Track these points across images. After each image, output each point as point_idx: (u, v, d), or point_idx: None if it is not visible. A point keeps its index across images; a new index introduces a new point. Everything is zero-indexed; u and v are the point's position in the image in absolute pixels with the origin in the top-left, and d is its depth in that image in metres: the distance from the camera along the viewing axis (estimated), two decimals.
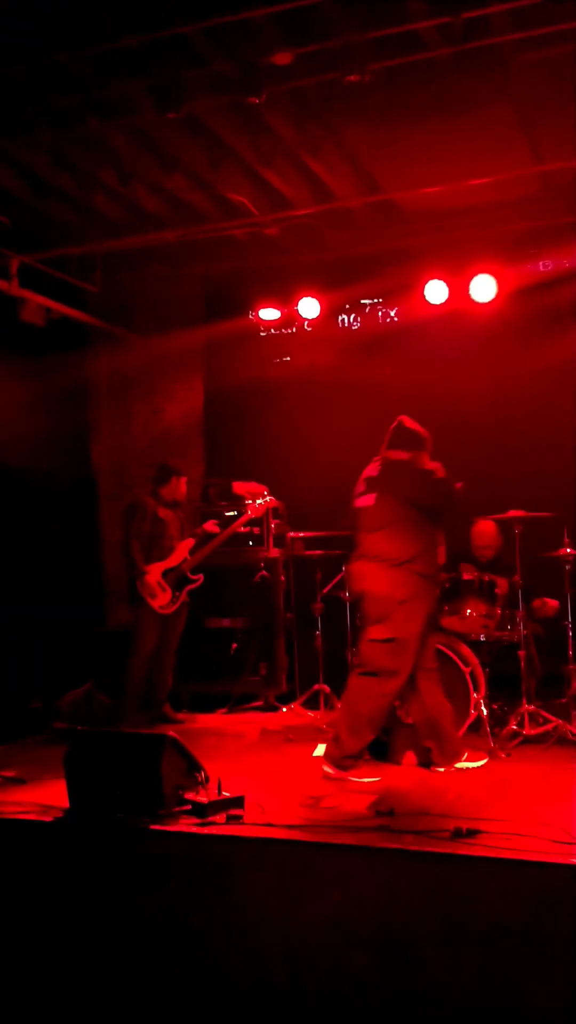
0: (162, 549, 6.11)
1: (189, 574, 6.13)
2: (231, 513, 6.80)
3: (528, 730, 5.01)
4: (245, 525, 6.60)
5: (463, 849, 3.13)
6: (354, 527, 4.75)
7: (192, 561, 6.15)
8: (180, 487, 6.27)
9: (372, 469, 4.78)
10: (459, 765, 4.50)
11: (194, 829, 3.43)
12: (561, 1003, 2.76)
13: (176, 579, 6.09)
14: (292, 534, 6.87)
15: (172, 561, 6.10)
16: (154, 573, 6.01)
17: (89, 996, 3.33)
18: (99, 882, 3.43)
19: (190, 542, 6.21)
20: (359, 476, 4.84)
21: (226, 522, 6.50)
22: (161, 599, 6.00)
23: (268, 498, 6.65)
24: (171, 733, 3.78)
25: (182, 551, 6.15)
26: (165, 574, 6.05)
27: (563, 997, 2.76)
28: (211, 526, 6.35)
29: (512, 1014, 2.83)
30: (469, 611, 5.23)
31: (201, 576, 6.17)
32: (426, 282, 6.66)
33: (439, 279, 6.63)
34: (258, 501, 6.54)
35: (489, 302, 6.61)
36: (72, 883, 3.47)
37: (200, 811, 3.55)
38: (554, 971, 2.81)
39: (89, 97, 5.12)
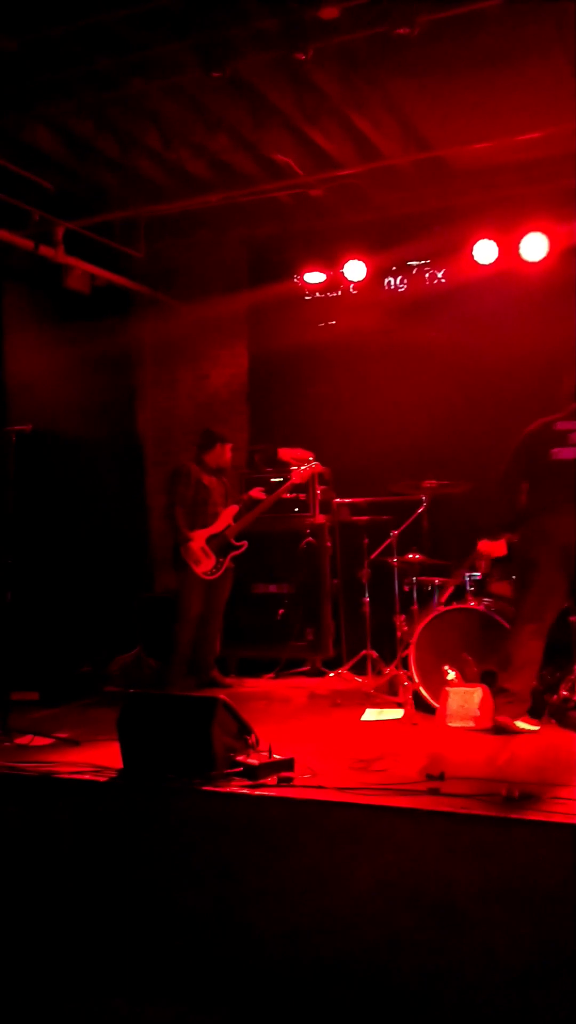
0: (206, 515, 6.11)
1: (233, 540, 6.13)
2: (276, 479, 6.79)
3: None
4: (291, 491, 6.59)
5: (515, 813, 3.11)
6: (547, 479, 4.52)
7: (236, 527, 6.15)
8: (225, 453, 6.25)
9: (569, 423, 4.57)
10: (517, 724, 4.51)
11: (245, 791, 3.46)
12: None
13: (220, 545, 6.09)
14: (338, 500, 6.85)
15: (216, 527, 6.10)
16: (198, 539, 6.02)
17: (143, 954, 3.40)
18: (152, 842, 3.48)
19: (235, 509, 6.20)
20: (545, 425, 4.61)
21: (271, 488, 6.50)
22: (205, 565, 6.01)
23: (313, 463, 6.63)
24: (221, 696, 3.80)
25: (226, 517, 6.15)
26: (209, 540, 6.06)
27: None
28: (257, 493, 6.35)
29: (560, 978, 2.83)
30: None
31: (245, 543, 6.17)
32: (475, 242, 6.52)
33: (488, 238, 6.49)
34: (303, 467, 6.52)
35: (540, 261, 6.46)
36: (125, 842, 3.53)
37: (251, 773, 3.58)
38: None
39: (132, 58, 5.05)
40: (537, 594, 4.51)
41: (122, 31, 4.88)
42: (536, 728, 4.54)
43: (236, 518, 6.18)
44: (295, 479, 6.43)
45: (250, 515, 6.23)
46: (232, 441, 6.35)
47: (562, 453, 4.48)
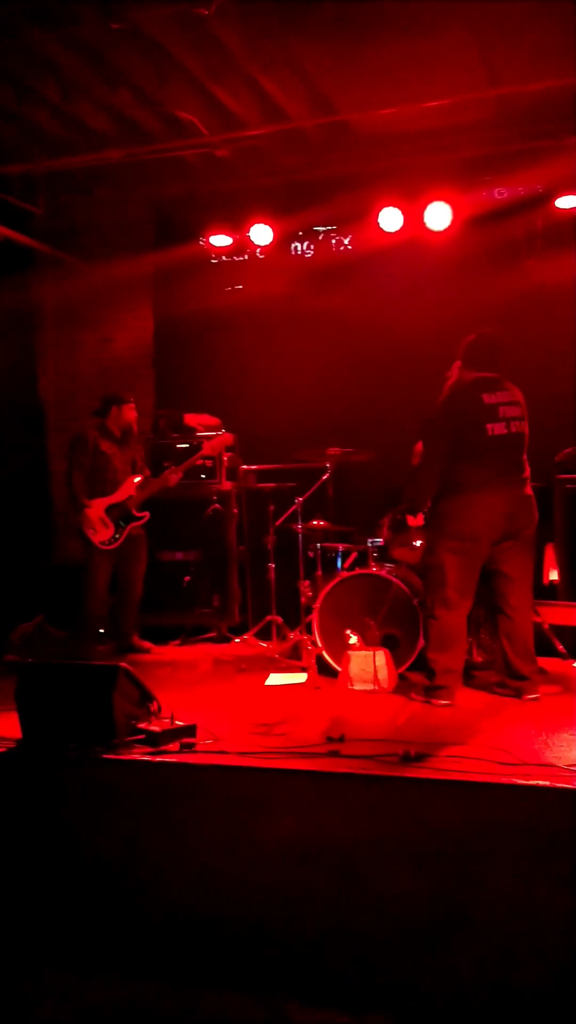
0: (106, 483, 5.97)
1: (135, 511, 6.02)
2: (183, 445, 6.74)
3: (478, 658, 5.12)
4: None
5: (411, 772, 3.20)
6: (484, 456, 4.43)
7: (139, 497, 6.04)
8: (123, 415, 6.08)
9: (499, 396, 4.50)
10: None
11: (147, 758, 3.46)
12: (501, 917, 2.88)
13: (120, 515, 5.98)
14: (245, 467, 6.84)
15: (117, 497, 5.98)
16: (96, 508, 5.90)
17: (42, 925, 3.39)
18: (53, 811, 3.45)
19: (137, 478, 6.08)
20: (474, 398, 4.45)
21: (179, 460, 6.41)
22: (102, 534, 5.90)
23: (221, 432, 6.58)
24: (123, 664, 3.78)
25: (129, 487, 6.03)
26: (109, 510, 5.94)
27: (503, 912, 2.88)
28: (173, 477, 6.15)
29: (458, 927, 2.94)
30: (419, 542, 5.27)
31: (147, 514, 6.07)
32: (380, 209, 6.54)
33: (393, 206, 6.52)
34: (214, 436, 6.46)
35: (444, 230, 6.53)
36: (26, 812, 3.49)
37: (153, 740, 3.58)
38: (496, 887, 2.91)
39: (28, 6, 4.84)
40: (475, 569, 4.46)
41: None
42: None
43: (141, 488, 6.08)
44: (206, 450, 6.35)
45: (153, 485, 6.14)
46: (130, 401, 6.15)
47: (496, 429, 4.43)
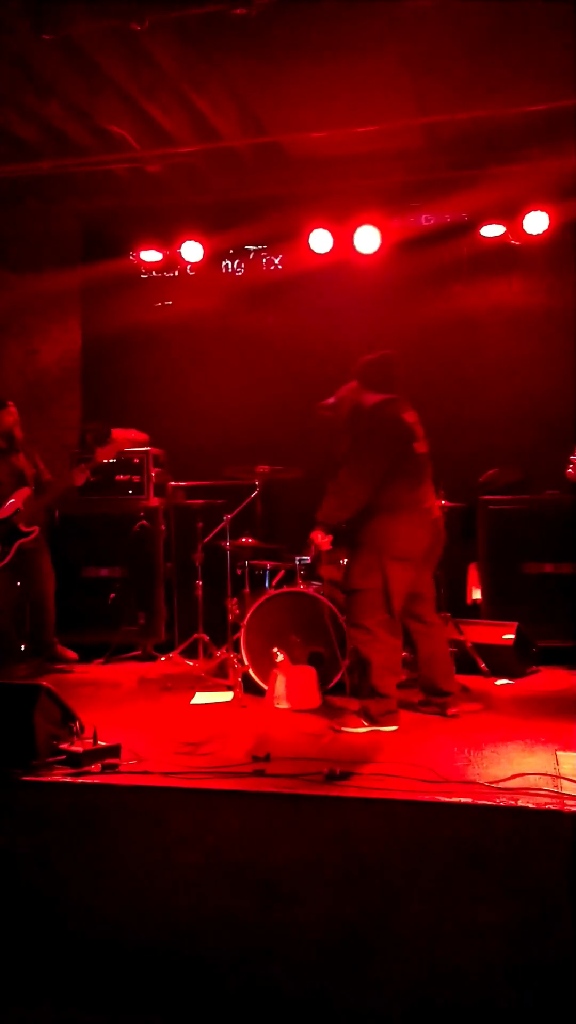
0: None
1: (23, 526, 5.66)
2: (110, 461, 6.65)
3: (402, 675, 5.16)
4: (120, 473, 6.41)
5: (336, 791, 3.21)
6: (412, 474, 4.44)
7: (32, 509, 5.71)
8: (3, 421, 5.70)
9: (411, 415, 4.54)
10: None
11: (68, 779, 3.39)
12: (423, 935, 2.89)
13: (7, 532, 5.65)
14: (173, 483, 6.79)
15: (3, 512, 5.64)
16: None
17: None
18: None
19: (26, 491, 5.73)
20: (398, 417, 4.46)
21: (107, 475, 6.31)
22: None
23: (117, 441, 6.26)
24: (44, 683, 3.70)
25: (16, 501, 5.68)
26: None
27: (425, 929, 2.89)
28: (80, 475, 5.83)
29: (380, 944, 2.95)
30: (345, 560, 5.30)
31: (36, 529, 5.73)
32: (311, 231, 6.61)
33: (323, 228, 6.60)
34: (140, 451, 6.35)
35: (373, 254, 6.63)
36: None
37: (75, 761, 3.51)
38: (419, 903, 2.93)
39: None
40: (410, 587, 4.42)
41: None
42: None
43: (34, 497, 5.74)
44: (99, 457, 5.96)
45: (58, 485, 5.82)
46: (7, 405, 5.77)
47: (421, 447, 4.48)
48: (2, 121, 6.07)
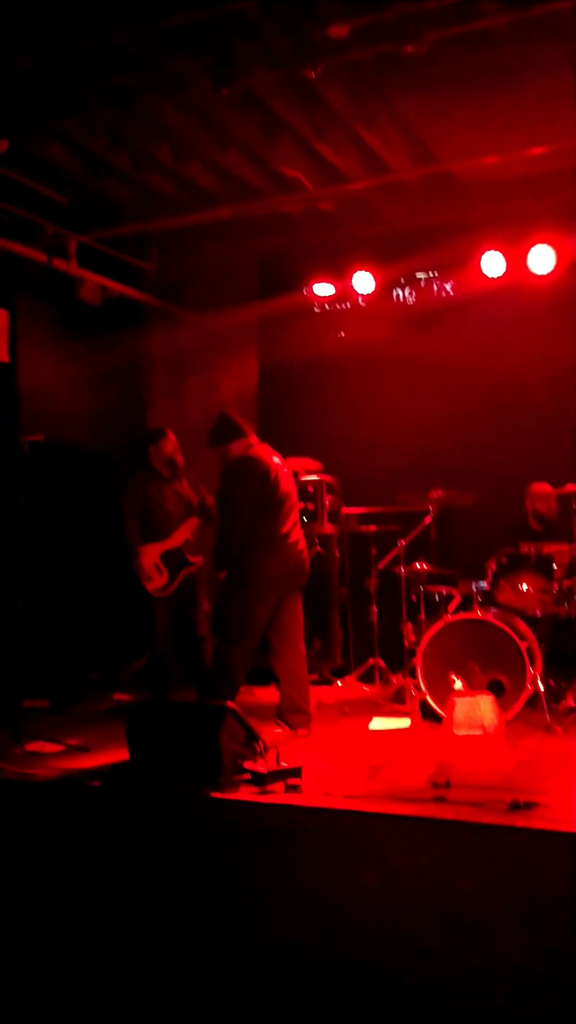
0: (158, 527, 5.65)
1: (189, 556, 5.68)
2: None
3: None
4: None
5: (520, 821, 3.15)
6: (279, 511, 4.97)
7: (195, 542, 5.74)
8: (163, 450, 5.79)
9: (276, 457, 5.12)
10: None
11: (253, 797, 3.51)
12: None
13: (176, 561, 5.66)
14: (346, 510, 6.89)
15: (171, 542, 5.65)
16: (150, 554, 5.60)
17: (152, 959, 3.44)
18: (160, 847, 3.52)
19: (194, 522, 5.77)
20: (265, 462, 5.00)
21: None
22: (156, 582, 5.58)
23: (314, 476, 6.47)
24: (230, 704, 3.85)
25: (184, 531, 5.72)
26: (164, 556, 5.65)
27: None
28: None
29: (560, 984, 2.86)
30: (525, 586, 5.21)
31: (201, 559, 5.74)
32: (483, 254, 6.57)
33: (496, 251, 6.54)
34: (313, 479, 6.45)
35: (548, 274, 6.50)
36: (134, 847, 3.57)
37: (259, 780, 3.63)
38: None
39: (145, 75, 5.13)
40: (270, 614, 4.94)
41: (136, 48, 4.96)
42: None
43: (196, 531, 5.78)
44: None
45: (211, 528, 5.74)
46: (166, 433, 5.86)
47: (287, 486, 5.03)
48: (185, 172, 6.44)
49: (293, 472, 6.89)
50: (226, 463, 5.07)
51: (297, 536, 5.06)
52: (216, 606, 5.08)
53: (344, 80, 5.41)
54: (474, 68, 5.25)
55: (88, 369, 7.02)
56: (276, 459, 5.10)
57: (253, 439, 5.12)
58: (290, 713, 4.97)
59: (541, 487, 6.02)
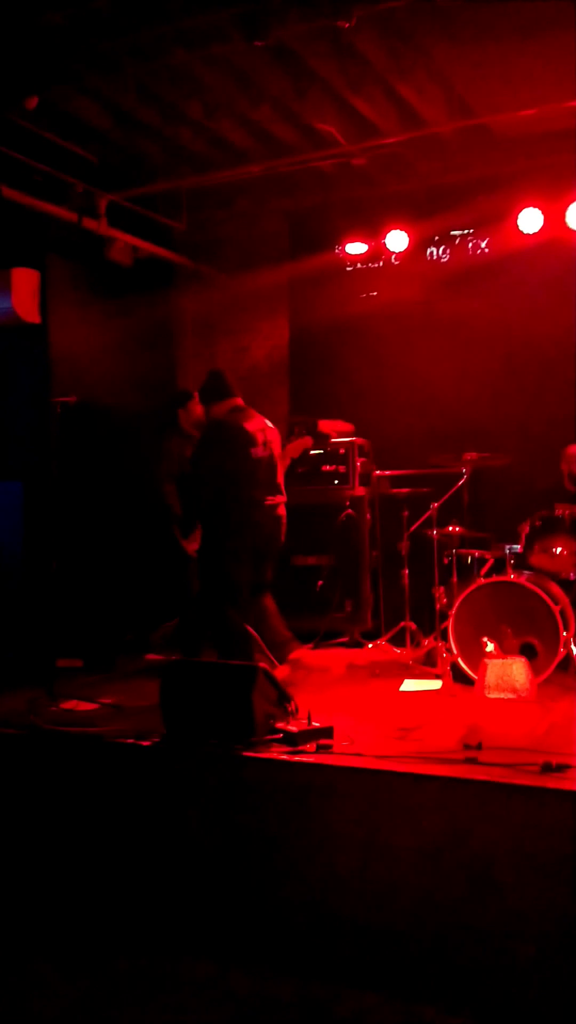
0: None
1: None
2: (316, 451, 6.81)
3: None
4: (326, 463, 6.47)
5: (553, 783, 3.14)
6: (252, 476, 5.01)
7: None
8: (192, 413, 5.81)
9: (255, 423, 5.13)
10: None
11: (285, 757, 3.53)
12: None
13: None
14: (378, 472, 6.85)
15: None
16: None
17: (182, 913, 3.51)
18: (194, 805, 3.57)
19: None
20: (240, 428, 5.03)
21: (312, 466, 6.41)
22: (196, 543, 5.66)
23: (304, 437, 6.37)
24: (262, 664, 3.87)
25: None
26: None
27: None
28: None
29: None
30: (559, 549, 5.16)
31: None
32: (520, 210, 6.42)
33: (533, 207, 6.39)
34: (347, 440, 6.36)
35: None
36: (169, 805, 3.63)
37: (291, 740, 3.65)
38: None
39: (176, 28, 5.04)
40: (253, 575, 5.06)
41: (165, 1, 4.87)
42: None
43: None
44: (290, 452, 5.82)
45: None
46: (193, 395, 5.85)
47: (264, 451, 5.08)
48: (216, 128, 6.35)
49: (324, 434, 6.91)
50: (204, 424, 5.19)
51: (275, 502, 5.11)
52: (201, 575, 5.17)
53: (378, 31, 5.28)
54: (511, 18, 5.10)
55: (118, 330, 6.99)
56: (258, 423, 5.14)
57: (238, 401, 5.17)
58: (276, 650, 5.07)
59: (573, 448, 5.92)
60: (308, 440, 6.29)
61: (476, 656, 4.92)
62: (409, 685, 5.07)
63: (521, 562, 5.34)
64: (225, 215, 7.69)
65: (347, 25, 4.64)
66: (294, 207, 7.60)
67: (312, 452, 6.81)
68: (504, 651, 4.87)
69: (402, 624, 6.06)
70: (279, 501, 5.16)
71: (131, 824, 3.68)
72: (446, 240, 7.06)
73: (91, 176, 6.42)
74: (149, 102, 6.02)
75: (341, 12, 4.62)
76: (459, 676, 5.06)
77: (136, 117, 6.16)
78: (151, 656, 6.18)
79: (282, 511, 5.18)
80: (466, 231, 6.98)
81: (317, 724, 3.75)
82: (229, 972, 3.23)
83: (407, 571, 6.05)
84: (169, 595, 6.72)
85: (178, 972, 3.25)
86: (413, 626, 6.02)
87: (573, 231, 6.36)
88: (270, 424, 5.26)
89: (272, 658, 5.03)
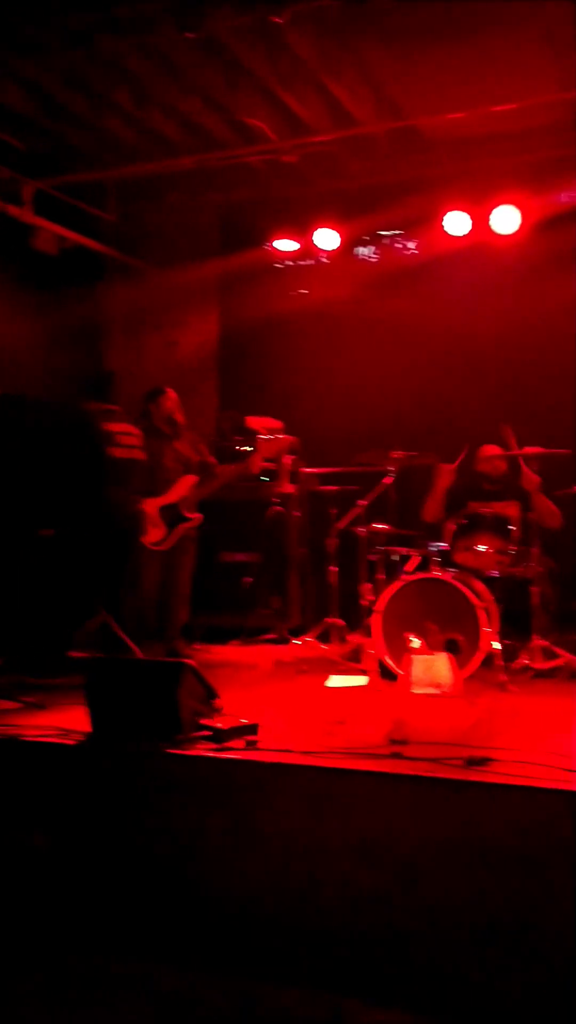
0: (156, 482, 5.76)
1: (185, 512, 5.79)
2: (245, 448, 6.79)
3: (539, 664, 5.07)
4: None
5: (476, 776, 3.19)
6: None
7: (192, 498, 5.84)
8: (162, 408, 5.83)
9: (120, 426, 5.58)
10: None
11: (212, 754, 3.51)
12: (565, 925, 2.85)
13: (172, 516, 5.78)
14: (307, 469, 6.87)
15: (170, 497, 5.78)
16: (149, 508, 5.73)
17: (109, 913, 3.46)
18: (119, 804, 3.52)
19: (192, 479, 5.83)
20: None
21: (238, 459, 6.43)
22: (153, 535, 5.72)
23: (280, 436, 6.52)
24: (189, 661, 3.84)
25: (182, 487, 5.79)
26: (162, 510, 5.75)
27: (566, 917, 2.85)
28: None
29: (520, 935, 2.93)
30: (483, 547, 5.25)
31: (199, 515, 5.84)
32: (447, 213, 6.52)
33: (460, 210, 6.50)
34: (269, 438, 6.42)
35: (512, 234, 6.48)
36: (94, 805, 3.57)
37: (218, 737, 3.62)
38: (560, 894, 2.89)
39: (107, 16, 4.96)
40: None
41: None
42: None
43: (199, 485, 5.86)
44: (263, 452, 6.11)
45: (209, 486, 5.93)
46: (165, 391, 5.91)
47: (120, 452, 5.28)
48: (146, 119, 6.28)
49: (252, 430, 6.90)
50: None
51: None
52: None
53: (311, 28, 5.29)
54: (443, 21, 5.18)
55: (44, 322, 6.87)
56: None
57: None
58: None
59: (489, 452, 5.99)
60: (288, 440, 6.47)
61: (402, 652, 4.97)
62: (335, 681, 5.10)
63: (446, 559, 5.42)
64: (155, 208, 7.62)
65: (280, 20, 4.64)
66: (225, 202, 7.58)
67: (239, 448, 6.79)
68: (429, 647, 4.93)
69: (328, 621, 6.09)
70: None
71: (58, 824, 3.61)
72: (375, 240, 7.13)
73: (17, 162, 6.29)
74: (78, 90, 5.93)
75: (274, 8, 4.62)
76: (385, 672, 5.11)
77: (63, 104, 6.05)
78: (74, 653, 6.07)
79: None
80: (395, 232, 7.05)
81: (244, 721, 3.73)
82: (155, 970, 3.20)
83: (335, 568, 6.08)
84: (94, 590, 6.62)
85: (108, 970, 3.21)
86: (340, 623, 6.05)
87: (498, 235, 6.49)
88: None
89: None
